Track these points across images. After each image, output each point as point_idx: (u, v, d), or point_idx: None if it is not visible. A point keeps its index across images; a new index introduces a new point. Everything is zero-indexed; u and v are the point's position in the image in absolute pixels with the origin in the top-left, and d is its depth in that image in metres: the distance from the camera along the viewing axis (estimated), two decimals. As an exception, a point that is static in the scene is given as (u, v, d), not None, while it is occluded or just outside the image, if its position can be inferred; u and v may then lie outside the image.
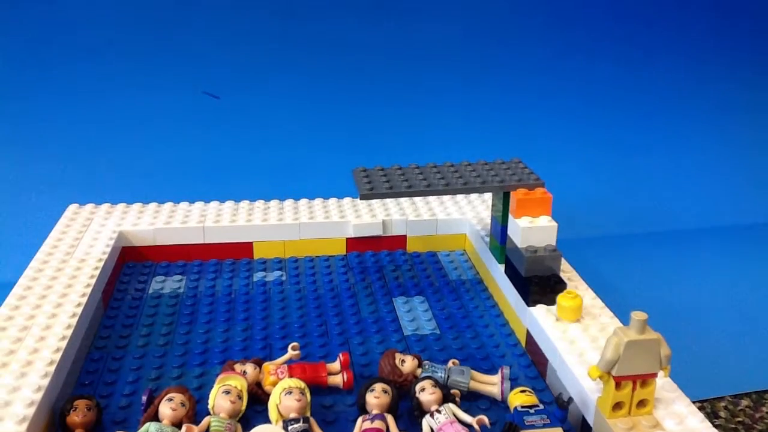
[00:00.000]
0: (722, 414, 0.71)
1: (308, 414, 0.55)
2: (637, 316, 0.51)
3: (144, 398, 0.55)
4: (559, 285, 0.66)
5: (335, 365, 0.62)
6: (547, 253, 0.67)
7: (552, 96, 1.30)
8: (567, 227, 0.76)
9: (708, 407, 0.71)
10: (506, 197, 0.73)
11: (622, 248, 1.04)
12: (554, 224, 0.68)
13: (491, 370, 0.63)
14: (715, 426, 0.52)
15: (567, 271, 0.73)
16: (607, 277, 0.89)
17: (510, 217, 0.70)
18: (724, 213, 1.16)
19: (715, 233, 1.11)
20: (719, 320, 0.86)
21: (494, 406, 0.59)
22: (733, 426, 0.69)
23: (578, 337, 0.62)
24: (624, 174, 1.23)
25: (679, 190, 1.20)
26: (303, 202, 0.91)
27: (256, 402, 0.58)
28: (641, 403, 0.53)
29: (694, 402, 0.53)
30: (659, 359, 0.51)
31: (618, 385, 0.52)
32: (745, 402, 0.73)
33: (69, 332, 0.61)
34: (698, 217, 1.14)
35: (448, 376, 0.60)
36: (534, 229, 0.67)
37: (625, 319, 0.64)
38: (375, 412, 0.55)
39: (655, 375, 0.52)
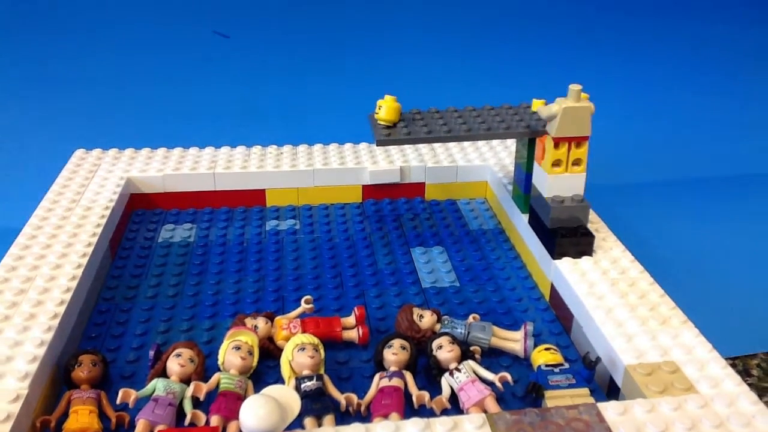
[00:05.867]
0: (755, 372, 0.68)
1: (322, 371, 0.53)
2: (574, 87, 0.60)
3: (151, 353, 0.54)
4: (586, 237, 0.63)
5: (350, 319, 0.60)
6: (574, 203, 0.64)
7: (586, 32, 1.23)
8: (596, 174, 0.73)
9: (740, 365, 0.68)
10: (531, 143, 0.69)
11: (656, 196, 0.98)
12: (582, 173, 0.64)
13: (513, 326, 0.61)
14: (747, 385, 0.48)
15: (595, 222, 0.69)
16: (638, 228, 0.84)
17: (535, 164, 0.66)
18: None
19: (759, 180, 1.05)
20: (757, 272, 0.81)
21: (516, 363, 0.57)
22: (766, 385, 0.66)
23: (606, 292, 0.58)
24: (660, 118, 1.16)
25: (719, 134, 1.13)
26: (317, 147, 0.87)
27: (268, 357, 0.56)
28: (576, 162, 0.63)
29: (725, 359, 0.50)
30: (590, 125, 0.61)
31: (557, 145, 0.62)
32: (779, 359, 0.70)
33: (74, 284, 0.59)
34: (742, 163, 1.07)
35: (469, 332, 0.58)
36: (561, 177, 0.64)
37: (655, 272, 0.62)
38: (393, 369, 0.53)
39: (586, 138, 0.62)
